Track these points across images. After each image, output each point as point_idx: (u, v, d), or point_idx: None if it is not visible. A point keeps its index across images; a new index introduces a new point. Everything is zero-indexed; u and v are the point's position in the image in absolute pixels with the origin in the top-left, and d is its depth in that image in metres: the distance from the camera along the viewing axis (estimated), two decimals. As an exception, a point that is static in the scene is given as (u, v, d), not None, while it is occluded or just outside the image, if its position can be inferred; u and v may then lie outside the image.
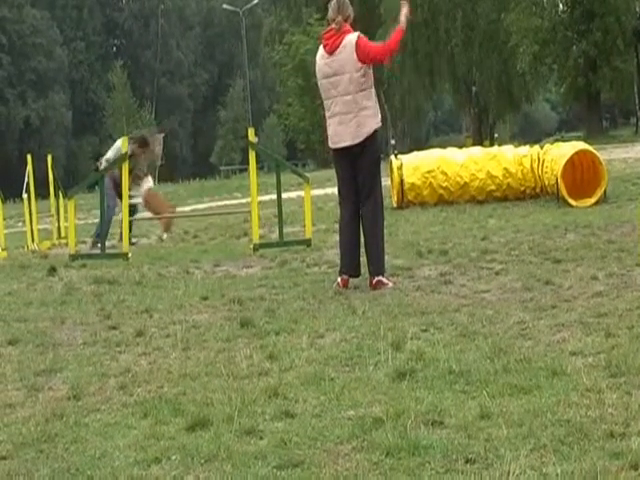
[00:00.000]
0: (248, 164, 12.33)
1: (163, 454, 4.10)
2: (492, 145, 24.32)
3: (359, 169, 8.39)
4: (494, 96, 52.73)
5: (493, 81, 51.78)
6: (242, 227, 15.02)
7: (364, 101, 8.29)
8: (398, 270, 8.95)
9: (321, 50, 8.55)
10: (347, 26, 8.39)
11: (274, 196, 12.92)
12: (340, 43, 8.31)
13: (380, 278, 8.23)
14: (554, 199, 14.43)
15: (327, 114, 8.53)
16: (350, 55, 8.26)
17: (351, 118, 8.29)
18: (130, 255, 11.61)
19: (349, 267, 8.41)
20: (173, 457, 4.07)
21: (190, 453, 4.08)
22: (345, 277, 8.38)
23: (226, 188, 32.95)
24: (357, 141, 8.29)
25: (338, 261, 8.61)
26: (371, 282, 8.25)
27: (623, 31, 42.96)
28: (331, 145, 8.52)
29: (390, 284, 8.22)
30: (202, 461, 4.01)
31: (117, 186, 13.05)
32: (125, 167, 12.08)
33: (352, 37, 8.32)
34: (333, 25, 8.39)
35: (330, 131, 8.49)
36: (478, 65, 51.98)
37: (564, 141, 17.05)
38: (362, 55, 8.25)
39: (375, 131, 8.36)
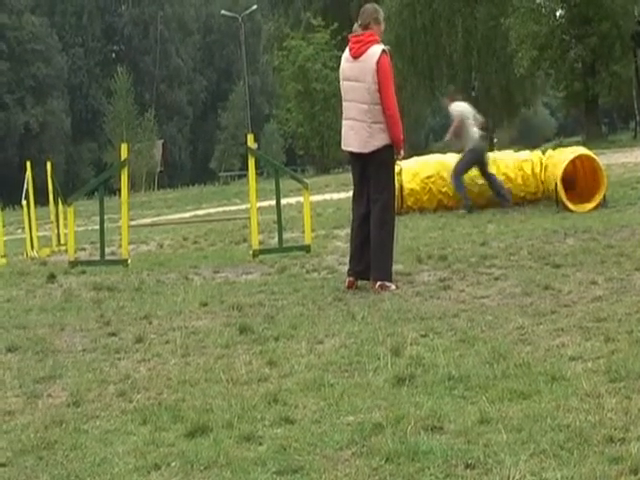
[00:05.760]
0: (247, 170, 12.32)
1: (163, 460, 4.10)
2: (492, 150, 24.29)
3: (370, 178, 8.43)
4: (493, 101, 52.71)
5: (492, 86, 51.78)
6: (241, 233, 15.02)
7: (379, 115, 8.33)
8: (397, 275, 8.94)
9: (346, 53, 8.60)
10: (372, 34, 8.42)
11: (273, 202, 12.92)
12: (365, 50, 8.36)
13: (382, 283, 8.26)
14: (553, 204, 14.42)
15: (343, 115, 8.63)
16: (372, 66, 8.31)
17: (364, 127, 8.35)
18: (129, 261, 11.62)
19: (356, 268, 8.42)
20: (173, 463, 4.07)
21: (190, 459, 4.08)
22: (351, 279, 8.37)
23: (225, 194, 32.94)
24: (365, 151, 8.35)
25: (337, 267, 8.62)
26: (373, 286, 8.28)
27: (621, 35, 42.91)
28: (342, 147, 8.66)
29: (393, 286, 8.25)
30: (202, 467, 4.01)
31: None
32: (124, 173, 12.08)
33: (377, 50, 8.37)
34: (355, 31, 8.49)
35: (342, 133, 8.63)
36: (477, 70, 52.01)
37: (564, 146, 17.03)
38: (378, 76, 8.30)
39: (388, 146, 8.36)
